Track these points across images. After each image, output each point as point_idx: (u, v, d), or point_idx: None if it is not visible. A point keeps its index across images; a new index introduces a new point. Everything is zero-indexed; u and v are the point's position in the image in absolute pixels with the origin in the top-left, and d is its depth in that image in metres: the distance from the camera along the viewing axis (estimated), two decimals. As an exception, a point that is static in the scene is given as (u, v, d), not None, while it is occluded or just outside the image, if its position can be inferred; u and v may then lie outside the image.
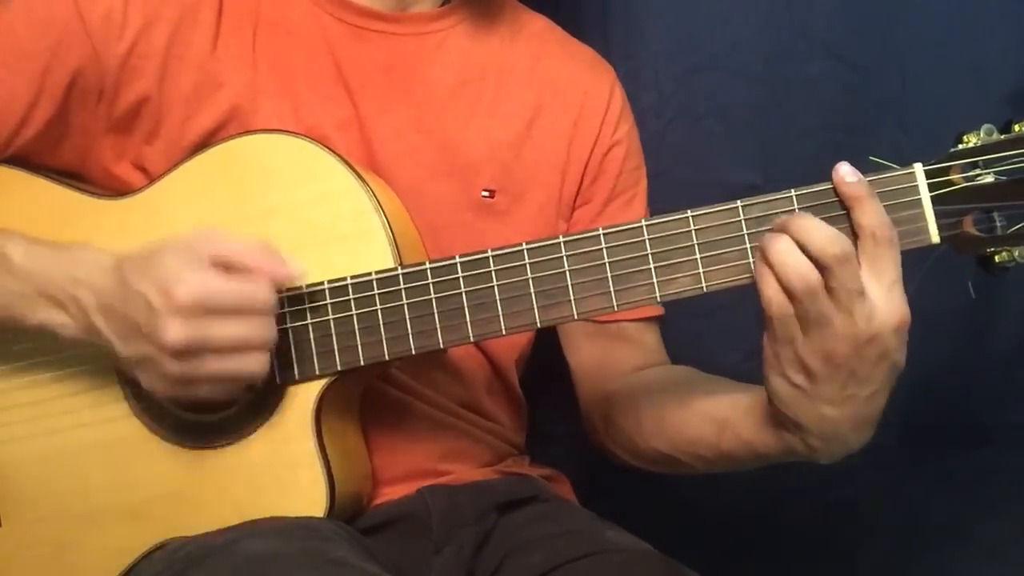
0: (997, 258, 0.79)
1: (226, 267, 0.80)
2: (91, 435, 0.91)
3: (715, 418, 0.90)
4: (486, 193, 1.02)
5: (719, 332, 1.38)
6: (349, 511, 0.92)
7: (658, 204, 1.32)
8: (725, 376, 1.42)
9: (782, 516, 1.47)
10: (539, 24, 1.12)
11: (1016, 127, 0.77)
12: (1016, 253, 0.78)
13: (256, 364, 0.81)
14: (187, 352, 0.78)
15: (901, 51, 1.37)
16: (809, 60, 1.39)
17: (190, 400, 0.84)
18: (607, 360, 1.06)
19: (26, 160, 0.96)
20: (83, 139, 0.96)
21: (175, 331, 0.78)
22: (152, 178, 0.94)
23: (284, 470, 0.87)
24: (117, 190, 0.96)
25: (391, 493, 0.97)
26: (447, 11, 1.05)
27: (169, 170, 0.93)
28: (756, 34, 1.39)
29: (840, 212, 0.78)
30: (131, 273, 0.81)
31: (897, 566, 1.47)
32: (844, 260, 0.74)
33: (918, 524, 1.46)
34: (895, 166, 0.79)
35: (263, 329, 0.81)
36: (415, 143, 1.00)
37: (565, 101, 1.07)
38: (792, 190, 0.80)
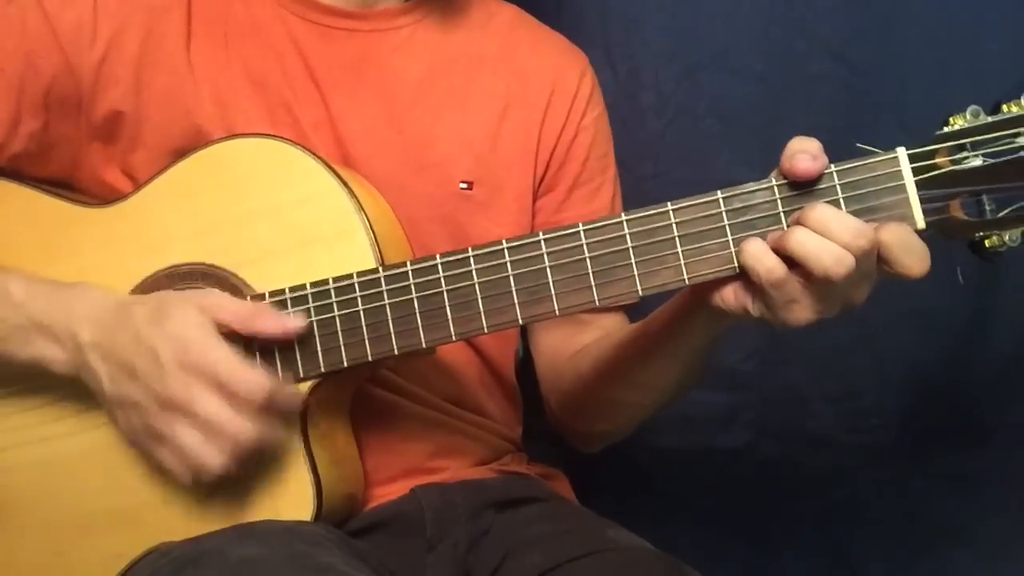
0: (987, 243, 0.77)
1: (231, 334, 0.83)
2: (82, 441, 0.91)
3: (641, 324, 0.95)
4: (464, 185, 1.02)
5: (719, 332, 1.38)
6: (340, 512, 0.91)
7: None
8: (725, 377, 1.44)
9: (782, 516, 1.47)
10: (508, 13, 1.12)
11: (1005, 108, 0.76)
12: (1007, 237, 0.76)
13: (213, 456, 0.81)
14: (171, 407, 0.81)
15: (901, 51, 1.37)
16: (809, 60, 1.38)
17: (154, 458, 0.85)
18: (568, 344, 1.07)
19: (15, 172, 0.97)
20: (69, 148, 0.97)
21: (175, 383, 0.80)
22: (137, 184, 0.94)
23: (272, 473, 0.87)
24: (108, 197, 0.96)
25: (385, 494, 0.97)
26: (413, 5, 1.04)
27: (153, 176, 0.93)
28: (756, 34, 1.39)
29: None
30: (142, 320, 0.83)
31: (897, 566, 1.47)
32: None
33: (918, 524, 1.46)
34: (879, 151, 0.78)
35: (240, 425, 0.81)
36: (388, 139, 1.00)
37: (536, 88, 1.07)
38: (772, 179, 0.79)
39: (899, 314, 1.39)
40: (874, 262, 0.75)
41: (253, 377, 0.81)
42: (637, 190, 1.39)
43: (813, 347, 1.42)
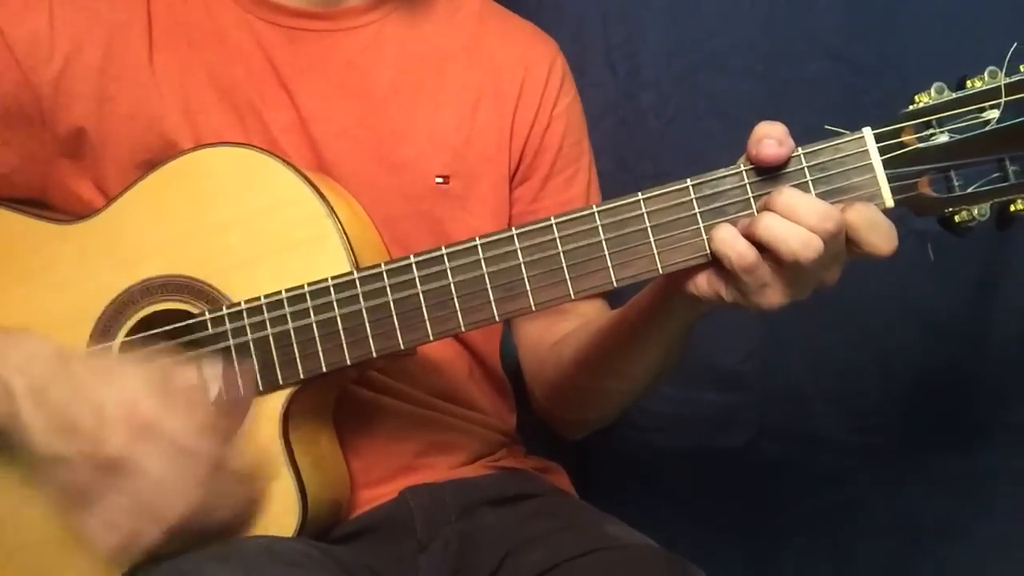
0: (957, 218, 0.77)
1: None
2: None
3: (618, 312, 0.94)
4: (440, 180, 1.02)
5: (719, 332, 1.38)
6: (327, 519, 0.91)
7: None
8: (725, 377, 1.44)
9: (782, 516, 1.47)
10: (475, 4, 1.11)
11: (969, 83, 0.76)
12: (976, 211, 0.76)
13: (150, 527, 0.76)
14: (112, 468, 0.75)
15: (901, 51, 1.37)
16: (809, 60, 1.38)
17: (72, 524, 0.79)
18: (549, 333, 1.06)
19: None
20: (36, 166, 0.96)
21: (118, 442, 0.75)
22: (109, 199, 0.93)
23: None
24: (81, 213, 0.95)
25: (374, 496, 0.96)
26: (377, 2, 1.04)
27: (123, 191, 0.92)
28: (756, 34, 1.39)
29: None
30: (86, 374, 0.79)
31: (897, 566, 1.47)
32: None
33: (918, 524, 1.46)
34: (846, 132, 0.78)
35: (190, 481, 0.76)
36: (360, 138, 0.99)
37: (507, 78, 1.06)
38: (741, 165, 0.79)
39: (899, 314, 1.39)
40: (843, 243, 0.76)
41: (204, 444, 0.78)
42: (637, 190, 1.39)
43: (814, 347, 1.42)
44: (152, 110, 0.95)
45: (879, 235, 0.75)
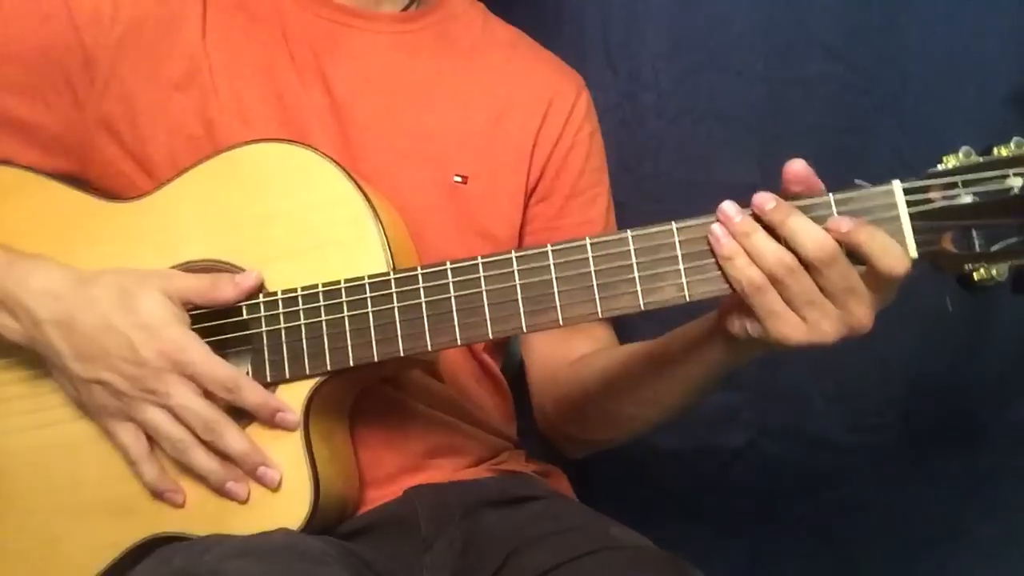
0: (976, 276, 0.79)
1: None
2: (84, 429, 0.91)
3: (657, 343, 0.96)
4: (459, 178, 1.04)
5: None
6: (334, 514, 0.92)
7: (658, 204, 1.32)
8: (725, 377, 1.44)
9: (782, 515, 1.47)
10: (509, 31, 1.16)
11: (995, 151, 0.78)
12: (995, 271, 0.79)
13: (180, 435, 0.86)
14: (147, 392, 0.86)
15: (901, 51, 1.37)
16: (809, 60, 1.39)
17: (111, 433, 0.89)
18: (563, 350, 1.08)
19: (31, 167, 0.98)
20: (75, 135, 0.98)
21: (150, 372, 0.85)
22: (158, 181, 0.96)
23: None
24: (121, 190, 0.97)
25: (379, 495, 0.97)
26: (420, 14, 1.08)
27: (174, 176, 0.95)
28: (756, 34, 1.39)
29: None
30: (109, 305, 0.86)
31: (897, 566, 1.47)
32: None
33: (918, 524, 1.46)
34: (875, 185, 0.80)
35: (211, 413, 0.86)
36: (388, 130, 1.02)
37: (535, 97, 1.10)
38: None
39: (899, 314, 1.39)
40: (842, 271, 0.78)
41: (223, 370, 0.86)
42: (637, 190, 1.39)
43: (813, 347, 1.42)
44: (202, 86, 0.98)
45: (893, 256, 0.77)
